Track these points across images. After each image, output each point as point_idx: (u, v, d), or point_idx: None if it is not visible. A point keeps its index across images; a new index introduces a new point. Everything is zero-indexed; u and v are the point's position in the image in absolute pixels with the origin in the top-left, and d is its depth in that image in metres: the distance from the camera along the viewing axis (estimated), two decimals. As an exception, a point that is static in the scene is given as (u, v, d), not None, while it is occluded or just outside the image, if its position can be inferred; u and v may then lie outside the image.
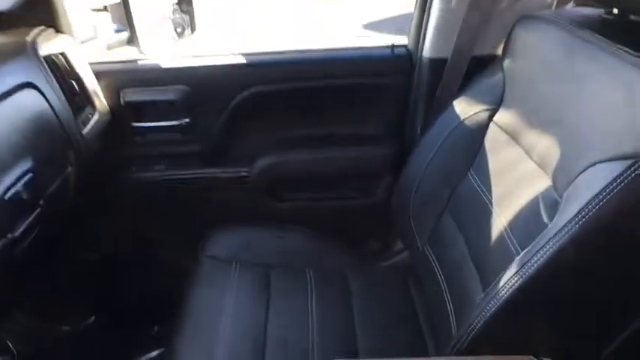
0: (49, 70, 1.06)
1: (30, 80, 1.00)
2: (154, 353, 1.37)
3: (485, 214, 0.92)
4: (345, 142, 1.36)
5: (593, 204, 0.62)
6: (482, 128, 1.03)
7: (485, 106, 1.03)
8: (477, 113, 1.04)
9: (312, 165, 1.35)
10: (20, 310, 1.40)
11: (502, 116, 0.99)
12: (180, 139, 1.34)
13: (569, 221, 0.64)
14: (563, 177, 0.74)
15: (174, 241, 1.37)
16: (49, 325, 1.46)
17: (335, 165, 1.35)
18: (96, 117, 1.22)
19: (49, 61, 1.09)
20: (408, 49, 1.31)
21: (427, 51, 1.21)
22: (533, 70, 0.91)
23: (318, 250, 1.27)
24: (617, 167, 0.62)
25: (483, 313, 0.69)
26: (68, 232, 1.37)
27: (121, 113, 1.29)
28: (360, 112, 1.36)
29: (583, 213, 0.62)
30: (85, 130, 1.16)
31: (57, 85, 1.07)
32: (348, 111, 1.36)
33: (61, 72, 1.12)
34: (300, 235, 1.29)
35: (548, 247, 0.65)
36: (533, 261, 0.66)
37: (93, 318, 1.50)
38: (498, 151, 0.97)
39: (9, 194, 0.85)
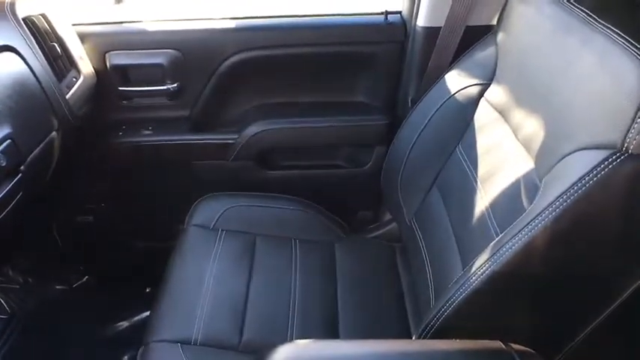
0: (28, 33, 1.03)
1: (8, 43, 0.97)
2: (144, 315, 1.40)
3: (470, 192, 0.91)
4: (336, 111, 1.33)
5: (569, 193, 0.60)
6: (472, 103, 1.00)
7: (476, 81, 1.00)
8: (468, 87, 1.01)
9: (302, 133, 1.33)
10: (15, 269, 1.42)
11: (493, 92, 0.96)
12: (168, 104, 1.32)
13: (545, 209, 0.62)
14: (545, 161, 0.72)
15: (163, 206, 1.37)
16: (44, 284, 1.49)
17: (325, 134, 1.33)
18: (80, 81, 1.19)
19: (29, 22, 1.06)
20: (402, 17, 1.26)
21: (421, 19, 1.16)
22: (525, 46, 0.88)
23: (305, 220, 1.26)
24: (598, 156, 0.60)
25: (455, 296, 0.69)
26: (59, 194, 1.37)
27: (106, 77, 1.27)
28: (351, 80, 1.33)
29: (558, 202, 0.61)
30: (69, 95, 1.14)
31: (38, 49, 1.05)
32: (340, 79, 1.33)
33: (42, 34, 1.09)
34: (287, 204, 1.28)
35: (522, 234, 0.64)
36: (507, 247, 0.65)
37: (86, 278, 1.53)
38: (487, 128, 0.95)
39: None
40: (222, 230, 1.17)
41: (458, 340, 0.65)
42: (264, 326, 0.98)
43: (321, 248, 1.20)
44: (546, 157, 0.72)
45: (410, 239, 1.11)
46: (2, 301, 1.36)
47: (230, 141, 1.32)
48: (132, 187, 1.39)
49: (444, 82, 1.07)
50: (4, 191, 0.90)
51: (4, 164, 0.88)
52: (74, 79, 1.18)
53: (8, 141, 0.90)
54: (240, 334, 0.96)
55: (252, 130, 1.31)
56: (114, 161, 1.36)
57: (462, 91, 1.02)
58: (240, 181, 1.33)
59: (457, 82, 1.04)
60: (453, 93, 1.04)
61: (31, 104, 1.02)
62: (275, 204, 1.27)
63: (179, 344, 0.90)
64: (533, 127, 0.78)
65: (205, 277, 1.05)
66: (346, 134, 1.34)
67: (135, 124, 1.33)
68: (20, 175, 0.94)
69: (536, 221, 0.63)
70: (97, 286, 1.52)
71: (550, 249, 0.63)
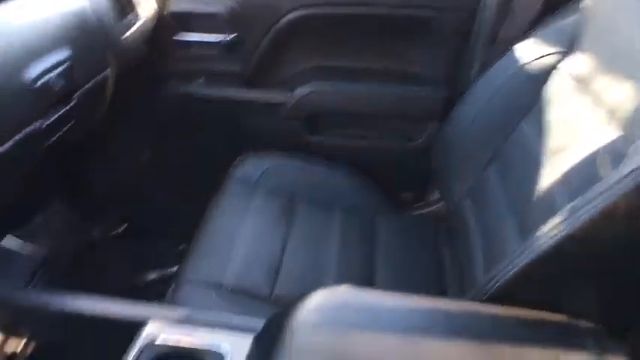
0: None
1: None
2: (173, 269, 1.39)
3: (536, 166, 0.85)
4: (392, 80, 1.28)
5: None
6: (545, 74, 0.93)
7: (553, 50, 0.93)
8: (542, 57, 0.94)
9: (354, 99, 1.28)
10: (56, 212, 1.43)
11: (571, 61, 0.88)
12: (223, 56, 1.28)
13: (626, 176, 0.56)
14: (634, 129, 0.65)
15: (205, 160, 1.35)
16: (82, 230, 1.50)
17: (378, 102, 1.28)
18: (139, 23, 1.18)
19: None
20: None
21: (497, -16, 1.09)
22: (616, 10, 0.80)
23: (348, 189, 1.22)
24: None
25: (517, 261, 0.63)
26: (105, 139, 1.37)
27: (164, 23, 1.25)
28: (412, 48, 1.27)
29: None
30: (127, 35, 1.13)
31: (100, -15, 1.04)
32: (400, 46, 1.27)
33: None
34: (331, 170, 1.24)
35: (601, 198, 0.57)
36: (583, 211, 0.59)
37: (122, 228, 1.53)
38: (561, 99, 0.88)
39: (43, 80, 0.83)
40: (263, 187, 1.15)
41: (519, 309, 0.59)
42: (297, 284, 0.95)
43: (362, 218, 1.15)
44: (636, 125, 0.65)
45: (459, 217, 1.05)
46: (40, 243, 1.37)
47: (280, 100, 1.29)
48: (176, 138, 1.37)
49: (515, 53, 1.00)
50: (56, 115, 0.89)
51: (58, 87, 0.88)
52: (133, 21, 1.17)
53: (65, 65, 0.89)
54: (272, 288, 0.93)
55: (304, 90, 1.26)
56: (161, 111, 1.35)
57: (536, 61, 0.95)
58: (285, 142, 1.29)
59: (530, 52, 0.97)
60: (523, 63, 0.97)
61: (90, 38, 1.01)
62: (319, 168, 1.24)
63: (211, 286, 0.88)
64: (622, 94, 0.71)
65: (242, 229, 1.03)
66: (400, 105, 1.28)
67: (187, 74, 1.31)
68: (74, 102, 0.93)
69: (616, 187, 0.57)
70: (132, 237, 1.53)
71: (629, 217, 0.56)
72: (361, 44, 1.27)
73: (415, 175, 1.34)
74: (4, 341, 0.78)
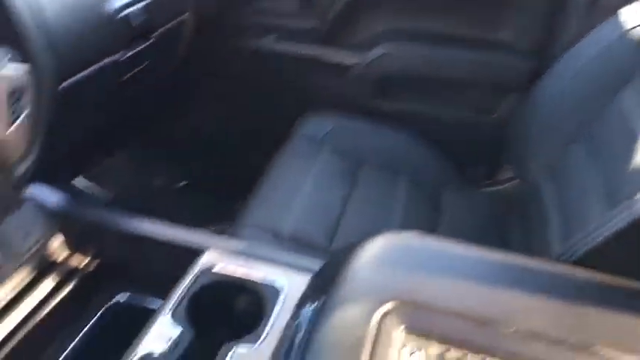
0: None
1: None
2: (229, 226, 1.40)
3: (632, 139, 0.77)
4: (473, 46, 1.19)
5: None
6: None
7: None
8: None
9: (431, 64, 1.21)
10: (124, 154, 1.47)
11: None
12: (297, 11, 1.26)
13: None
14: None
15: (271, 117, 1.33)
16: (145, 177, 1.54)
17: (456, 69, 1.21)
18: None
19: None
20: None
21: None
22: None
23: (416, 158, 1.17)
24: None
25: (601, 231, 0.57)
26: (173, 89, 1.39)
27: None
28: (501, 12, 1.18)
29: None
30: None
31: None
32: (486, 10, 1.18)
33: None
34: (400, 137, 1.19)
35: None
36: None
37: (184, 183, 1.56)
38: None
39: (124, 13, 0.84)
40: (328, 146, 1.12)
41: (604, 274, 0.53)
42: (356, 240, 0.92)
43: (428, 189, 1.10)
44: None
45: (533, 194, 0.98)
46: (107, 186, 1.42)
47: (352, 61, 1.24)
48: (244, 93, 1.36)
49: (618, 18, 0.91)
50: (132, 52, 0.90)
51: (137, 23, 0.88)
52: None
53: (146, 1, 0.89)
54: (330, 241, 0.91)
55: (379, 51, 1.21)
56: (230, 65, 1.34)
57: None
58: (353, 105, 1.25)
59: (634, 17, 0.88)
60: (625, 30, 0.88)
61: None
62: (386, 133, 1.19)
63: (269, 232, 0.87)
64: None
65: (304, 183, 1.02)
66: (480, 74, 1.20)
67: (259, 29, 1.29)
68: (151, 41, 0.94)
69: None
70: (191, 191, 1.55)
71: None
72: (445, 5, 1.20)
73: (487, 150, 1.26)
74: (70, 256, 0.81)
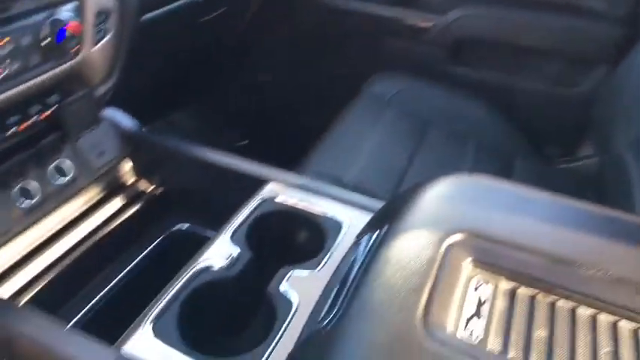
0: None
1: None
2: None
3: None
4: (558, 11, 1.12)
5: None
6: None
7: None
8: None
9: (511, 29, 1.15)
10: (190, 108, 1.50)
11: None
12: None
13: None
14: None
15: (340, 75, 1.31)
16: (208, 133, 1.56)
17: (539, 36, 1.14)
18: None
19: None
20: None
21: None
22: None
23: (488, 126, 1.12)
24: None
25: None
26: (241, 50, 1.40)
27: None
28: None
29: None
30: None
31: None
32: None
33: None
34: (472, 105, 1.14)
35: None
36: None
37: (246, 142, 1.57)
38: None
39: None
40: (395, 106, 1.09)
41: None
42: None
43: (498, 159, 1.05)
44: None
45: (618, 171, 0.91)
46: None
47: (428, 23, 1.20)
48: (314, 50, 1.35)
49: None
50: (209, 16, 0.91)
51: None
52: None
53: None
54: (393, 193, 0.88)
55: (456, 13, 1.16)
56: (305, 20, 1.33)
57: None
58: (426, 69, 1.21)
59: None
60: None
61: None
62: (457, 99, 1.15)
63: (331, 179, 0.86)
64: None
65: (369, 137, 1.00)
66: (565, 42, 1.12)
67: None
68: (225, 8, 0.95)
69: None
70: (252, 151, 1.56)
71: None
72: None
73: (567, 126, 1.18)
74: (137, 181, 0.83)
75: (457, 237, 0.52)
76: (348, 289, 0.49)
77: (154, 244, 0.80)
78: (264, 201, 0.69)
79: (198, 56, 1.18)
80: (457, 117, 1.11)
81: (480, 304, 0.48)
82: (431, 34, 1.20)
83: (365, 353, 0.41)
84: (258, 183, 0.71)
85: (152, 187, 0.84)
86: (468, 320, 0.47)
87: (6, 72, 0.61)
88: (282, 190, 0.70)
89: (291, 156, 1.37)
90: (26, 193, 0.69)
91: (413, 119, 1.07)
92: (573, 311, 0.46)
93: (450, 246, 0.50)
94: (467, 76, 1.22)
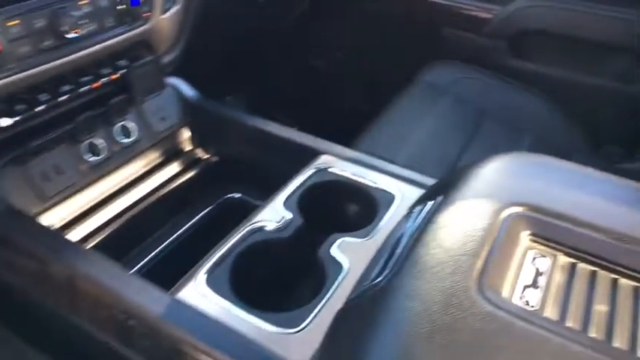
0: None
1: None
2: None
3: None
4: (623, 3, 1.07)
5: None
6: None
7: None
8: None
9: (573, 23, 1.11)
10: (243, 92, 1.52)
11: None
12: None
13: None
14: None
15: (395, 62, 1.30)
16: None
17: (602, 30, 1.09)
18: None
19: None
20: None
21: None
22: None
23: (545, 121, 1.09)
24: None
25: None
26: (303, 35, 1.41)
27: None
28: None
29: None
30: None
31: None
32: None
33: None
34: (529, 99, 1.11)
35: None
36: None
37: (296, 128, 1.58)
38: None
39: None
40: (451, 94, 1.08)
41: None
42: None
43: (554, 152, 1.02)
44: None
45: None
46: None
47: (489, 14, 1.18)
48: (368, 39, 1.35)
49: None
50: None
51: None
52: None
53: None
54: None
55: (519, 3, 1.14)
56: (364, 5, 1.33)
57: None
58: (484, 59, 1.18)
59: None
60: None
61: None
62: (515, 92, 1.12)
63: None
64: None
65: (422, 122, 0.99)
66: (632, 36, 1.07)
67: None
68: None
69: None
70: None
71: None
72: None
73: (629, 125, 1.13)
74: (194, 148, 0.86)
75: (516, 209, 0.51)
76: (403, 250, 0.49)
77: (207, 209, 0.82)
78: (318, 170, 0.70)
79: (255, 39, 1.20)
80: (514, 109, 1.09)
81: (538, 274, 0.47)
82: (491, 25, 1.18)
83: (418, 308, 0.41)
84: (312, 156, 0.72)
85: (208, 156, 0.87)
86: (524, 289, 0.46)
87: (83, 32, 0.65)
88: (335, 163, 0.71)
89: (341, 142, 1.38)
90: (94, 149, 0.72)
91: (468, 108, 1.05)
92: (636, 290, 0.44)
93: (509, 217, 0.50)
94: (526, 68, 1.18)
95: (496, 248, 0.47)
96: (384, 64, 1.33)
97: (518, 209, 0.50)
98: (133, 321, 0.53)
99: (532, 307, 0.43)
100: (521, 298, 0.44)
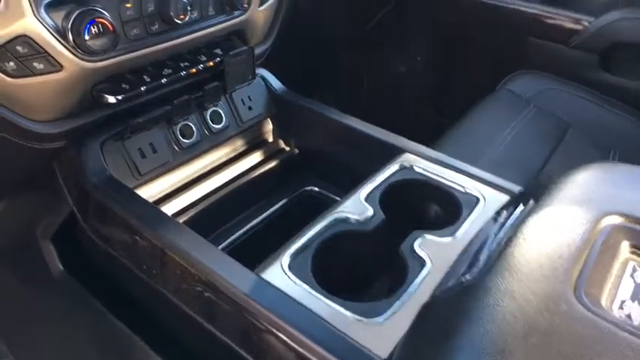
0: None
1: None
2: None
3: None
4: None
5: None
6: None
7: None
8: None
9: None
10: (320, 97, 1.53)
11: None
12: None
13: None
14: None
15: (477, 70, 1.28)
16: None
17: None
18: None
19: None
20: None
21: None
22: None
23: (634, 140, 1.03)
24: None
25: None
26: (384, 40, 1.40)
27: None
28: None
29: None
30: None
31: None
32: None
33: None
34: (618, 114, 1.07)
35: None
36: None
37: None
38: None
39: None
40: (535, 105, 1.05)
41: None
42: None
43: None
44: None
45: None
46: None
47: (578, 25, 1.14)
48: (450, 46, 1.33)
49: None
50: None
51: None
52: None
53: None
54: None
55: (613, 15, 1.09)
56: (448, 12, 1.31)
57: None
58: (571, 72, 1.14)
59: None
60: None
61: None
62: (604, 107, 1.08)
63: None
64: None
65: (502, 133, 0.97)
66: None
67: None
68: None
69: None
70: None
71: None
72: None
73: None
74: (275, 140, 0.88)
75: (615, 219, 0.49)
76: (494, 249, 0.48)
77: (285, 200, 0.84)
78: (403, 168, 0.69)
79: (339, 43, 1.21)
80: (601, 125, 1.05)
81: (638, 288, 0.45)
82: (581, 36, 1.14)
83: (512, 307, 0.40)
84: (394, 154, 0.72)
85: (289, 148, 0.89)
86: (623, 302, 0.44)
87: (187, 19, 0.68)
88: (419, 162, 0.71)
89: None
90: (186, 131, 0.76)
91: (552, 121, 1.02)
92: None
93: (608, 226, 0.48)
94: (615, 83, 1.13)
95: (594, 256, 0.45)
96: (466, 71, 1.31)
97: (618, 219, 0.48)
98: (217, 295, 0.55)
99: (637, 320, 0.41)
100: (620, 308, 0.42)
